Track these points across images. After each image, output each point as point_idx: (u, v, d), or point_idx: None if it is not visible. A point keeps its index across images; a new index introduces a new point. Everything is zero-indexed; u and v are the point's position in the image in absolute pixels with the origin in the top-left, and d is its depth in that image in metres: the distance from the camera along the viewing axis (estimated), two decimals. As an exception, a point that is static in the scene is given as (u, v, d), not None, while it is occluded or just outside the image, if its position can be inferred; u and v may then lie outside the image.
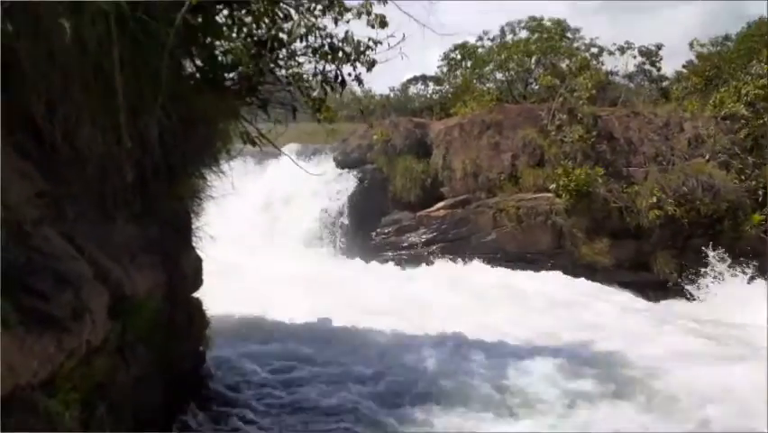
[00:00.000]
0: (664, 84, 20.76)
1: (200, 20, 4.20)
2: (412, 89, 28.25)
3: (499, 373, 6.16)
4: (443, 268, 13.32)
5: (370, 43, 4.85)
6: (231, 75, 4.78)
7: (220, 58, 4.62)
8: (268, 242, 13.65)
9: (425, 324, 8.08)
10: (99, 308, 3.00)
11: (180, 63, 4.35)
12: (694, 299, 12.03)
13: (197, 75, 4.60)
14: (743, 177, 13.12)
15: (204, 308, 5.23)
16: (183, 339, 4.64)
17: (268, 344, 6.77)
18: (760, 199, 12.93)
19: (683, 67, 20.09)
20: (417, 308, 9.31)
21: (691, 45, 18.83)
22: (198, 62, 4.62)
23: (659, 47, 19.78)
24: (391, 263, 13.81)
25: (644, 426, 5.17)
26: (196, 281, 5.10)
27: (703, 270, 12.25)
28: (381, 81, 27.02)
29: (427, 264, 13.74)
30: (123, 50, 3.60)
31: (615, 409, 5.48)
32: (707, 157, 13.45)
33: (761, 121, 13.61)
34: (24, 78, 3.22)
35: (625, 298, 11.66)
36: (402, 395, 5.56)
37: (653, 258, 12.99)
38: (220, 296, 5.42)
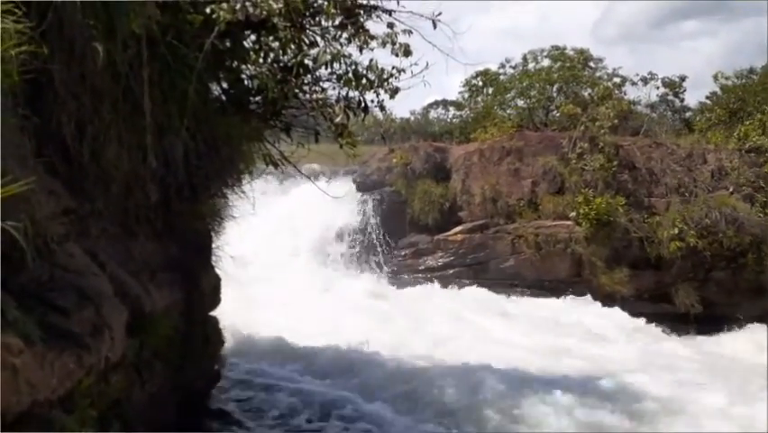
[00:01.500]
0: (687, 115, 20.64)
1: (228, 45, 4.30)
2: (432, 113, 28.42)
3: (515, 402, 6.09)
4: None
5: (394, 71, 4.90)
6: (256, 99, 4.86)
7: (246, 82, 4.71)
8: (286, 261, 13.67)
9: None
10: (118, 325, 3.04)
11: (207, 86, 4.44)
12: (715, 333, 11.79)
13: (223, 98, 4.69)
14: (767, 210, 12.94)
15: (220, 327, 5.26)
16: (199, 357, 4.67)
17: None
18: (785, 234, 12.72)
19: (707, 98, 19.98)
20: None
21: (716, 78, 18.75)
22: (225, 86, 4.71)
23: (683, 78, 19.72)
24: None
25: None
26: (215, 300, 5.14)
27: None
28: (402, 105, 27.22)
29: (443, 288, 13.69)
30: (152, 73, 3.70)
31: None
32: (730, 189, 13.30)
33: (786, 155, 13.46)
34: (56, 98, 3.32)
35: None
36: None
37: (673, 289, 12.81)
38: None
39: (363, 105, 4.93)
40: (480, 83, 20.44)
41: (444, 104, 27.47)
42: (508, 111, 19.44)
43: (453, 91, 25.63)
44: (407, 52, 4.68)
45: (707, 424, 5.77)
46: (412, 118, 28.47)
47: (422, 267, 14.47)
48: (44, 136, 3.21)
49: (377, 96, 4.95)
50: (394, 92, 4.90)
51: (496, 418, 5.70)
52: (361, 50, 4.74)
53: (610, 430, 5.60)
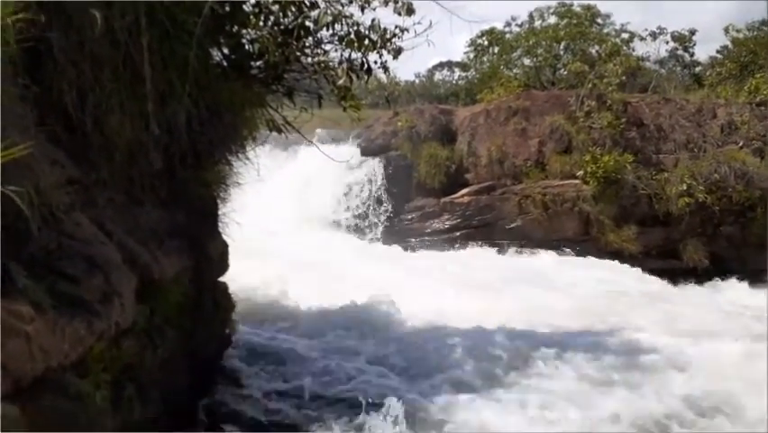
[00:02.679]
0: (697, 70, 20.31)
1: (227, 9, 4.24)
2: (438, 75, 28.13)
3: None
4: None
5: (397, 31, 4.83)
6: (257, 63, 4.81)
7: (247, 46, 4.66)
8: (293, 226, 13.72)
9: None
10: (128, 292, 3.08)
11: (208, 52, 4.39)
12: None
13: (224, 63, 4.65)
14: (777, 164, 12.84)
15: (230, 292, 5.32)
16: (209, 323, 4.73)
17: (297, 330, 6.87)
18: (794, 187, 12.64)
19: (717, 52, 19.62)
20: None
21: (726, 30, 18.39)
22: (225, 51, 4.66)
23: (692, 32, 19.30)
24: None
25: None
26: (223, 266, 5.19)
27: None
28: (407, 67, 26.93)
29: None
30: (151, 40, 3.67)
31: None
32: (740, 144, 13.18)
33: (797, 108, 13.28)
34: (56, 67, 3.30)
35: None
36: (428, 378, 5.62)
37: (682, 245, 12.82)
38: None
39: (366, 66, 4.88)
40: (486, 42, 20.13)
41: (450, 65, 27.17)
42: (515, 71, 19.19)
43: (458, 52, 25.28)
44: (410, 11, 4.61)
45: (715, 377, 5.85)
46: (417, 81, 28.21)
47: (428, 230, 14.49)
48: (46, 105, 3.21)
49: (380, 57, 4.89)
50: (397, 52, 4.83)
51: (508, 373, 5.79)
52: (362, 10, 4.67)
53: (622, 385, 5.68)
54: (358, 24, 4.66)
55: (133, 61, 3.61)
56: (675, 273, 12.26)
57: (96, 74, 3.55)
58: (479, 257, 12.99)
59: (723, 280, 12.01)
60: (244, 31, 4.50)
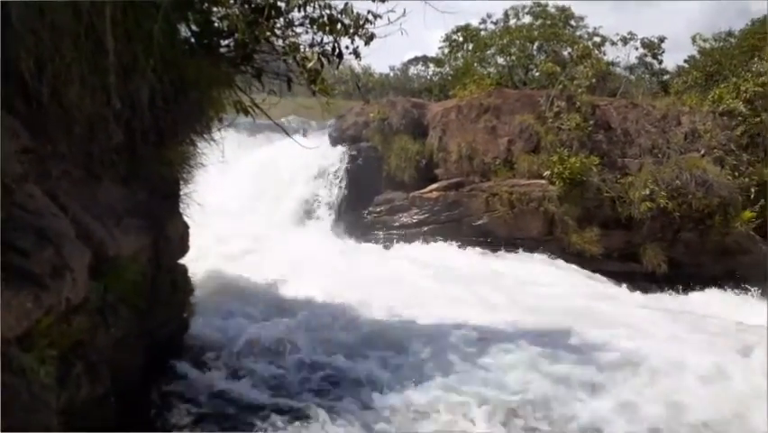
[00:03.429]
0: (665, 78, 20.71)
1: (196, -17, 4.15)
2: (412, 70, 28.11)
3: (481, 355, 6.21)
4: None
5: (370, 16, 4.79)
6: (226, 42, 4.72)
7: (216, 23, 4.57)
8: (257, 214, 13.61)
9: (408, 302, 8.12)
10: (80, 267, 3.00)
11: (175, 27, 4.30)
12: (681, 292, 12.11)
13: (192, 40, 4.55)
14: (736, 173, 13.15)
15: (189, 274, 5.23)
16: (166, 304, 4.65)
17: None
18: (752, 197, 12.98)
19: (685, 61, 20.04)
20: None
21: (694, 39, 18.78)
22: (194, 27, 4.57)
23: (662, 39, 19.67)
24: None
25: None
26: (183, 248, 5.10)
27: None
28: (382, 60, 26.84)
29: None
30: (115, 10, 3.56)
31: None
32: (702, 152, 13.45)
33: (758, 118, 13.62)
34: (14, 33, 3.18)
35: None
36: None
37: (642, 249, 13.06)
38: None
39: (338, 51, 4.83)
40: (461, 39, 20.20)
41: (425, 60, 27.14)
42: (489, 69, 19.29)
43: (434, 47, 25.33)
44: (383, -3, 4.57)
45: (667, 374, 5.97)
46: (391, 74, 28.17)
47: (396, 224, 14.50)
48: (2, 72, 3.09)
49: (352, 43, 4.85)
50: (369, 38, 4.79)
51: (464, 367, 5.81)
52: (335, -6, 4.61)
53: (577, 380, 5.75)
54: (330, 8, 4.61)
55: (96, 32, 3.51)
56: (635, 277, 12.51)
57: (56, 43, 3.44)
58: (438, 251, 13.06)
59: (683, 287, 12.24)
60: (214, 7, 4.41)
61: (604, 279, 12.27)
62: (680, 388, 5.67)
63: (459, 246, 13.35)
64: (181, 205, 5.07)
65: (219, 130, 5.12)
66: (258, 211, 13.56)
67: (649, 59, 20.19)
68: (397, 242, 13.86)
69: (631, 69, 20.66)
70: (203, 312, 5.86)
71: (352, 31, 4.76)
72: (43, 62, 3.42)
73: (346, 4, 4.68)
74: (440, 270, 11.02)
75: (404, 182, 14.55)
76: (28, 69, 3.34)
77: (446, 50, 21.24)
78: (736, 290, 11.73)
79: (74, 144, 3.67)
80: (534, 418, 5.05)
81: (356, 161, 14.96)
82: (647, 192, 12.77)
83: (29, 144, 3.23)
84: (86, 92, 3.65)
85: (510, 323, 7.57)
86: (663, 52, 19.96)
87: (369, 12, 4.70)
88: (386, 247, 13.62)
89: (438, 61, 23.45)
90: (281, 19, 4.60)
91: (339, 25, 4.69)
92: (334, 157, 15.03)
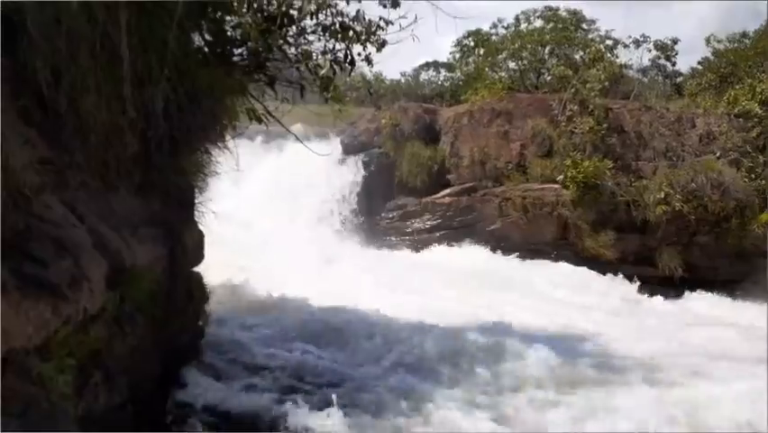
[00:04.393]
0: (679, 80, 20.55)
1: (209, -8, 4.17)
2: (423, 75, 28.01)
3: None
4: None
5: (381, 23, 4.79)
6: (239, 50, 4.74)
7: (229, 32, 4.59)
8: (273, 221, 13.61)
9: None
10: (97, 277, 3.00)
11: (189, 36, 4.31)
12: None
13: (206, 49, 4.57)
14: (753, 175, 13.02)
15: (204, 282, 5.24)
16: (182, 313, 4.65)
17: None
18: (769, 199, 12.84)
19: (699, 63, 19.86)
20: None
21: (708, 41, 18.62)
22: (207, 36, 4.58)
23: (675, 41, 19.51)
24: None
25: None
26: (198, 256, 5.10)
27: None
28: (393, 66, 26.86)
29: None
30: (130, 19, 3.58)
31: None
32: (717, 154, 13.34)
33: (774, 120, 13.48)
34: (30, 42, 3.20)
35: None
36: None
37: (657, 253, 12.94)
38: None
39: (350, 58, 4.83)
40: (472, 43, 20.18)
41: (436, 65, 27.09)
42: (500, 73, 19.25)
43: (445, 53, 25.30)
44: (395, 3, 4.58)
45: (680, 380, 5.91)
46: (403, 80, 28.14)
47: (409, 229, 14.48)
48: (19, 81, 3.11)
49: (364, 50, 4.85)
50: (381, 45, 4.80)
51: (478, 371, 5.79)
52: (347, 1, 4.62)
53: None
54: (342, 15, 4.62)
55: (111, 41, 3.53)
56: (650, 281, 12.39)
57: (72, 52, 3.45)
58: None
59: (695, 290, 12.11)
60: (227, 16, 4.42)
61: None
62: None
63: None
64: (196, 213, 5.08)
65: (233, 138, 5.13)
66: (270, 217, 13.57)
67: (662, 61, 20.04)
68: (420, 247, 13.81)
69: (644, 71, 20.52)
70: (220, 321, 5.89)
71: (363, 38, 4.76)
72: (60, 71, 3.43)
73: (358, 11, 4.69)
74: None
75: (416, 188, 14.55)
76: (45, 77, 3.36)
77: (457, 56, 21.25)
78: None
79: (90, 154, 3.68)
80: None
81: (368, 168, 14.95)
82: (662, 195, 12.68)
83: (46, 155, 3.25)
84: (101, 101, 3.66)
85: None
86: (677, 54, 19.82)
87: (380, 18, 4.70)
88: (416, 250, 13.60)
89: (449, 67, 23.45)
90: (294, 27, 4.61)
91: (351, 32, 4.69)
92: (347, 164, 15.02)
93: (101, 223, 3.58)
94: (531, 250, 13.33)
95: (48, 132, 3.37)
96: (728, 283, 12.11)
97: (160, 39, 3.72)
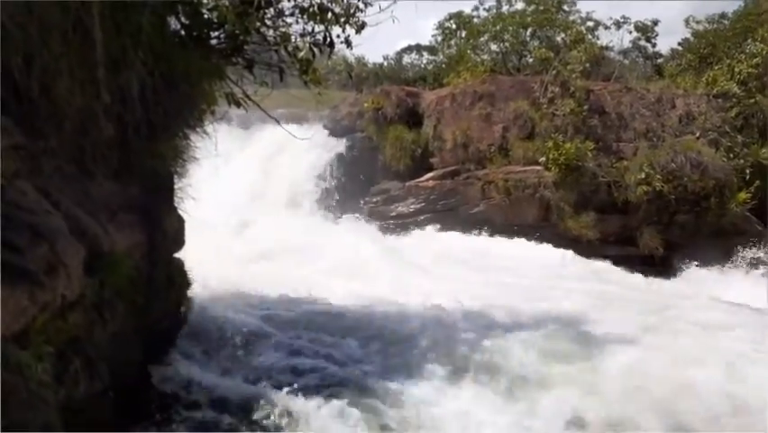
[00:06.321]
0: (659, 61, 20.67)
1: (184, -26, 4.11)
2: (406, 59, 27.94)
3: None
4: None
5: (361, 4, 4.77)
6: (216, 33, 4.68)
7: (205, 15, 4.53)
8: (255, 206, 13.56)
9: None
10: (75, 263, 2.98)
11: (164, 19, 4.25)
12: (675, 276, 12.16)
13: (182, 32, 4.51)
14: (731, 155, 13.19)
15: (185, 268, 5.22)
16: (163, 299, 4.64)
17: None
18: (747, 178, 13.02)
19: (678, 44, 19.99)
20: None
21: (687, 22, 18.73)
22: (183, 19, 4.52)
23: (655, 23, 19.65)
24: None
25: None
26: (178, 242, 5.07)
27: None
28: (375, 49, 26.71)
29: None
30: (103, 3, 3.52)
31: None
32: (697, 134, 13.48)
33: (752, 100, 13.65)
34: (3, 29, 3.14)
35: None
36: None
37: (638, 233, 13.10)
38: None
39: (329, 40, 4.80)
40: (454, 26, 20.12)
41: (418, 49, 27.01)
42: (482, 56, 19.23)
43: (427, 36, 25.22)
44: (374, -15, 4.54)
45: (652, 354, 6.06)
46: (385, 64, 28.02)
47: (393, 213, 14.49)
48: (-8, 69, 3.06)
49: (343, 32, 4.82)
50: (361, 27, 4.77)
51: (464, 350, 5.85)
52: (325, -18, 4.58)
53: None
54: (321, -4, 4.58)
55: (84, 25, 3.47)
56: (631, 260, 12.54)
57: (44, 38, 3.40)
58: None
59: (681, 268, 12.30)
60: (203, -1, 4.37)
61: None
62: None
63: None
64: (176, 199, 5.04)
65: (212, 123, 5.08)
66: (250, 200, 13.52)
67: (643, 42, 20.18)
68: (404, 230, 13.84)
69: (625, 53, 20.63)
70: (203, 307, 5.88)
71: (342, 19, 4.73)
72: (31, 57, 3.38)
73: (336, -8, 4.64)
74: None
75: (399, 172, 14.54)
76: (17, 64, 3.30)
77: (439, 38, 21.21)
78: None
79: (65, 140, 3.63)
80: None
81: (351, 152, 14.91)
82: (643, 176, 12.81)
83: (20, 141, 3.20)
84: (75, 86, 3.61)
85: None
86: (657, 36, 19.94)
87: (359, 0, 4.67)
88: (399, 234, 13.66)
89: (431, 50, 23.40)
90: (271, 9, 4.57)
91: (330, 14, 4.66)
92: (329, 147, 14.97)
93: (77, 208, 3.55)
94: (514, 231, 13.40)
95: (21, 118, 3.32)
96: (708, 261, 12.29)
97: (134, 22, 3.66)
